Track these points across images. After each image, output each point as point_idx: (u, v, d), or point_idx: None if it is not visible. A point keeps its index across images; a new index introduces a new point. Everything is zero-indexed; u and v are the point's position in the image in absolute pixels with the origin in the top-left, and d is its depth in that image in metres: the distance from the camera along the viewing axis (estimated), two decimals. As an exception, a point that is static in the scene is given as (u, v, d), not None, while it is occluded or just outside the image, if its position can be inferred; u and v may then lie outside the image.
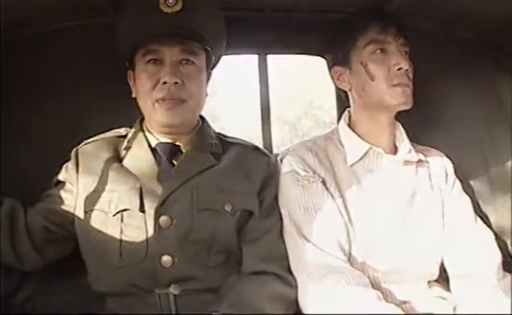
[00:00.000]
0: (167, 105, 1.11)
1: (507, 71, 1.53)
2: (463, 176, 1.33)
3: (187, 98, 1.13)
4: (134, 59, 1.16)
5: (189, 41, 1.13)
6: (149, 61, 1.12)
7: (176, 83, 1.10)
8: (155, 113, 1.13)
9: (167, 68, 1.11)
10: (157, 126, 1.17)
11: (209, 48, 1.20)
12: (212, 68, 1.26)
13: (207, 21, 1.17)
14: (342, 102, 1.39)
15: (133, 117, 1.25)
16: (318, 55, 1.53)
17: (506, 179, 1.45)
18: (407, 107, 1.20)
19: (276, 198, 1.21)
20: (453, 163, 1.32)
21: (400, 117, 1.27)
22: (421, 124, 1.32)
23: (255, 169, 1.20)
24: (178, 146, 1.19)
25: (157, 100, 1.11)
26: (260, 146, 1.41)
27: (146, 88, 1.12)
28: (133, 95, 1.20)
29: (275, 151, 1.54)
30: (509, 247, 1.40)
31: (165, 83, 1.10)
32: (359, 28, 1.21)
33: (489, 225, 1.33)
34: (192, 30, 1.13)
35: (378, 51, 1.19)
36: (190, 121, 1.20)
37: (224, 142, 1.25)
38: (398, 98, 1.18)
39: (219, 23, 1.22)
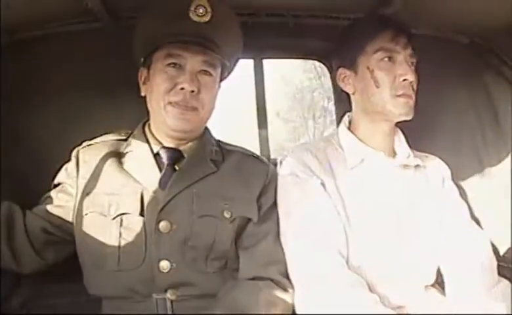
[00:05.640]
0: (179, 111, 1.12)
1: (501, 77, 1.54)
2: (457, 182, 1.34)
3: (199, 106, 1.14)
4: (152, 59, 1.16)
5: (213, 53, 1.14)
6: (169, 64, 1.13)
7: (192, 91, 1.12)
8: (166, 116, 1.13)
9: (187, 75, 1.12)
10: (164, 129, 1.17)
11: (227, 63, 1.22)
12: (221, 81, 1.25)
13: (229, 36, 1.19)
14: (342, 106, 1.40)
15: (132, 119, 1.26)
16: (313, 59, 1.54)
17: (501, 185, 1.46)
18: (408, 118, 1.20)
19: (273, 204, 1.21)
20: (449, 168, 1.33)
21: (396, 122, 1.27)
22: (415, 130, 1.32)
23: (254, 177, 1.21)
24: (181, 151, 1.19)
25: (170, 103, 1.12)
26: (257, 150, 1.42)
27: (161, 90, 1.12)
28: (142, 93, 1.21)
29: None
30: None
31: (182, 88, 1.11)
32: (370, 33, 1.21)
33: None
34: (215, 43, 1.15)
35: (386, 59, 1.19)
36: (197, 129, 1.21)
37: (224, 150, 1.26)
38: (400, 108, 1.18)
39: (239, 40, 1.23)
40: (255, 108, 1.59)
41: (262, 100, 1.58)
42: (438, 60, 1.53)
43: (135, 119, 1.26)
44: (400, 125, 1.29)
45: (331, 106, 10.60)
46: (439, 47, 1.55)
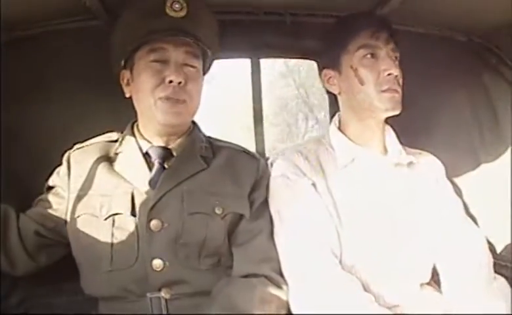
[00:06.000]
0: (169, 104, 1.12)
1: (500, 76, 1.53)
2: (454, 179, 1.33)
3: (187, 99, 1.14)
4: (133, 59, 1.16)
5: (193, 42, 1.15)
6: (153, 60, 1.13)
7: (180, 82, 1.12)
8: (156, 111, 1.13)
9: (173, 67, 1.12)
10: (153, 126, 1.17)
11: (209, 53, 1.22)
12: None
13: (207, 30, 1.19)
14: (335, 107, 1.39)
15: (130, 118, 1.25)
16: (310, 59, 1.53)
17: (498, 183, 1.45)
18: (395, 113, 1.20)
19: (265, 200, 1.21)
20: (444, 165, 1.32)
21: (392, 120, 1.26)
22: (412, 128, 1.32)
23: (245, 172, 1.21)
24: (170, 149, 1.19)
25: (160, 98, 1.12)
26: (253, 149, 1.41)
27: (149, 86, 1.12)
28: (127, 95, 1.21)
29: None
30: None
31: (170, 81, 1.11)
32: (351, 32, 1.21)
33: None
34: (194, 35, 1.15)
35: (368, 56, 1.19)
36: (186, 122, 1.21)
37: (214, 146, 1.26)
38: (386, 103, 1.18)
39: (215, 34, 1.24)
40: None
41: (259, 99, 1.58)
42: (436, 59, 1.53)
43: (133, 117, 1.25)
44: (398, 123, 1.28)
45: (310, 113, 11.57)
46: (437, 46, 1.55)
